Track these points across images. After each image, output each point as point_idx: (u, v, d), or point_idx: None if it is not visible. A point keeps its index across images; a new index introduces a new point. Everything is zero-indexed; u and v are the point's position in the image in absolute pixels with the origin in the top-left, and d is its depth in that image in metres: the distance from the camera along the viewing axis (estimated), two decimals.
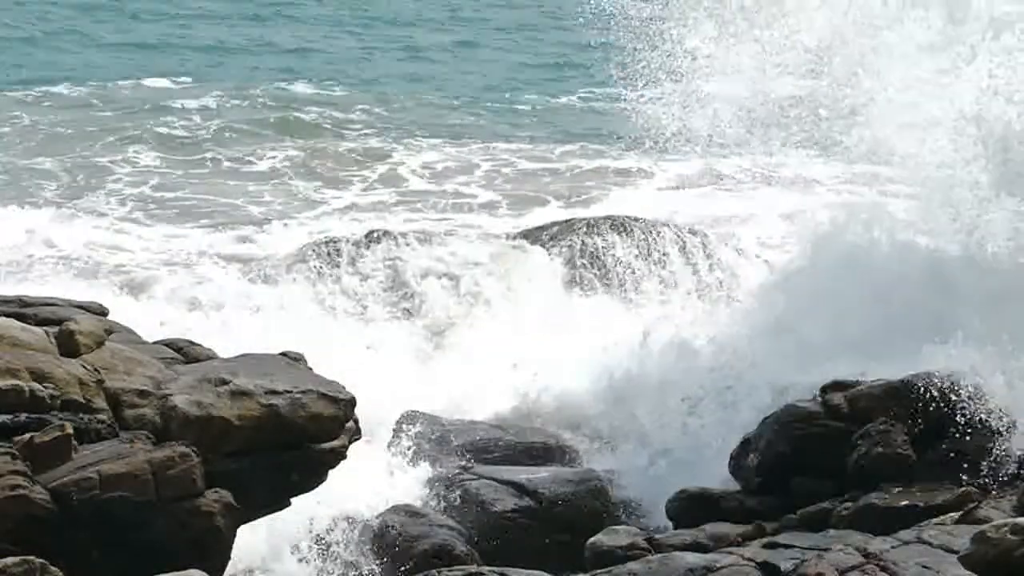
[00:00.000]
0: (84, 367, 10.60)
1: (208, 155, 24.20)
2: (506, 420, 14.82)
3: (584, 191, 22.60)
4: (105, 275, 17.74)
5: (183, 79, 29.65)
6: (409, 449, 13.76)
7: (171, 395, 10.70)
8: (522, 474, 13.29)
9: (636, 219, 18.42)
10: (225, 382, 10.86)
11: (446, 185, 23.00)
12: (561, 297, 17.45)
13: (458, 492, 13.02)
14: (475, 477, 13.19)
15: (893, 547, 9.53)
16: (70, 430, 10.00)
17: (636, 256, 17.75)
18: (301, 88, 29.58)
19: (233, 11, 37.42)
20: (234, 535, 10.51)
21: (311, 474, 11.11)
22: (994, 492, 10.66)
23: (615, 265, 17.70)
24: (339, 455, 11.17)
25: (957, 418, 11.22)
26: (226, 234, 19.99)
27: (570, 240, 17.94)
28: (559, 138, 25.97)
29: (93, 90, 28.11)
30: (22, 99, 27.20)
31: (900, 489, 11.03)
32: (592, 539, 11.00)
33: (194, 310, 16.46)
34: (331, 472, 11.24)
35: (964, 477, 10.91)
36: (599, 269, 17.69)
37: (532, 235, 18.54)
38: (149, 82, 29.11)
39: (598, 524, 11.95)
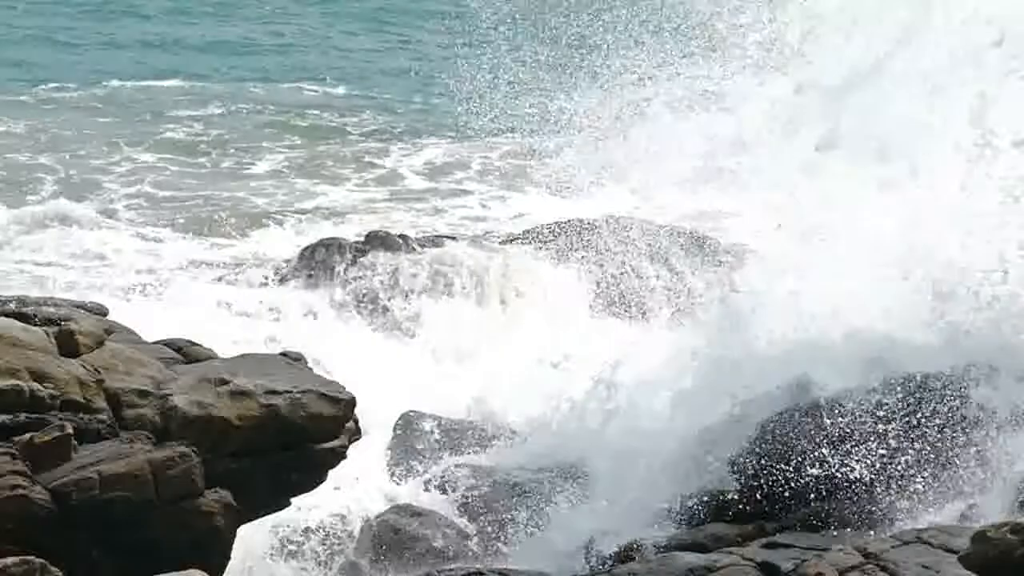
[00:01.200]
0: (84, 367, 10.60)
1: (208, 155, 24.22)
2: (505, 420, 14.80)
3: (579, 187, 22.54)
4: (103, 275, 17.74)
5: (183, 80, 29.64)
6: (409, 449, 13.75)
7: (171, 395, 10.69)
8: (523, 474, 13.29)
9: (633, 219, 18.42)
10: (225, 382, 10.86)
11: (446, 184, 23.02)
12: (560, 298, 17.44)
13: (458, 492, 13.02)
14: (475, 477, 13.19)
15: (893, 547, 9.51)
16: (70, 430, 9.99)
17: (633, 256, 17.74)
18: (301, 88, 29.58)
19: (234, 11, 37.42)
20: (234, 535, 10.51)
21: (311, 474, 11.11)
22: None
23: (613, 266, 17.69)
24: (339, 455, 11.17)
25: None
26: (226, 234, 19.99)
27: (568, 241, 17.94)
28: (555, 133, 25.90)
29: (93, 91, 28.13)
30: (23, 100, 27.20)
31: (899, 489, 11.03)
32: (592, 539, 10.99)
33: (194, 310, 16.45)
34: (331, 472, 11.25)
35: None
36: (598, 269, 17.68)
37: (531, 236, 18.54)
38: (149, 82, 29.12)
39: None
